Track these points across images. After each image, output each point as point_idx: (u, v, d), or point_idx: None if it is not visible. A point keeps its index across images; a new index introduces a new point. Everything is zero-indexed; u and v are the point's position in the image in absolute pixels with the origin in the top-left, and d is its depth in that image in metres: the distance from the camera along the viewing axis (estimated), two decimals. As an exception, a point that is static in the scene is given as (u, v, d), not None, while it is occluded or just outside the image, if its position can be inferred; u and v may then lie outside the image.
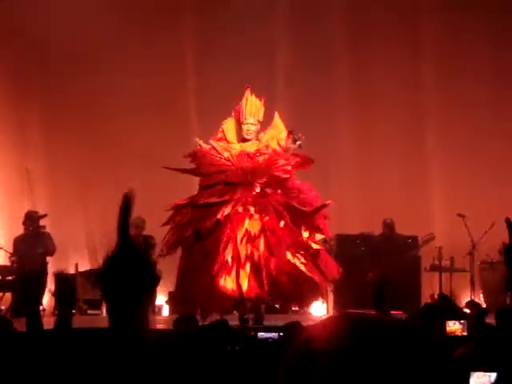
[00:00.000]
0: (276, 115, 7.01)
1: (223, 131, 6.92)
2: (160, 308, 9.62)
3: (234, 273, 6.32)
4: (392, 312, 8.56)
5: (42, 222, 9.01)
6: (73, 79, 10.15)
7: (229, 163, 6.74)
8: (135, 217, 9.34)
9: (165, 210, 6.70)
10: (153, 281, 1.41)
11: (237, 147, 6.86)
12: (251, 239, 6.33)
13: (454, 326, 5.48)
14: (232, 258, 6.31)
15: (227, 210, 6.38)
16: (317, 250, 6.66)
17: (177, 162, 7.12)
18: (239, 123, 6.94)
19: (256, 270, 6.31)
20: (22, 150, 10.19)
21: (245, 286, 6.31)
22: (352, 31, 10.86)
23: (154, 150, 9.71)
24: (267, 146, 6.80)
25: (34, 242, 8.68)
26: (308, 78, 10.62)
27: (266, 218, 6.41)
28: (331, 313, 9.15)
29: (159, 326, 7.14)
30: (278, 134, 6.90)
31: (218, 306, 6.47)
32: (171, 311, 9.38)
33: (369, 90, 10.85)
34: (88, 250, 10.14)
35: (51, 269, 9.26)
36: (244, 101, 6.93)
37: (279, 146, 6.80)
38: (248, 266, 6.32)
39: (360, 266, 9.39)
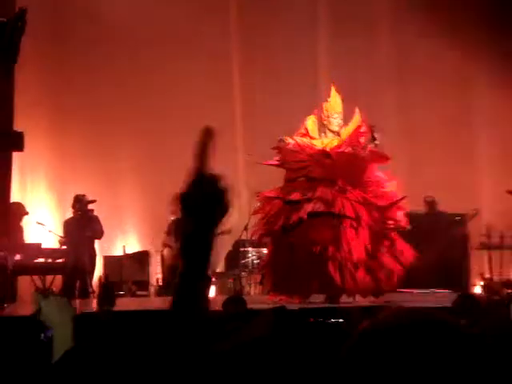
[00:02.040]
0: (356, 111, 7.19)
1: (306, 128, 7.22)
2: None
3: (318, 267, 6.66)
4: (438, 290, 8.51)
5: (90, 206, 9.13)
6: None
7: (311, 159, 7.04)
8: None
9: (256, 199, 7.37)
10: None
11: (318, 144, 7.14)
12: (333, 236, 6.67)
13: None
14: (315, 253, 6.65)
15: (309, 208, 6.73)
16: (393, 240, 6.93)
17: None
18: (321, 120, 7.24)
19: (338, 265, 6.66)
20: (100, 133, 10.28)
21: (327, 280, 6.67)
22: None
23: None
24: (347, 143, 7.02)
25: (82, 225, 8.80)
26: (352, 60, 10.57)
27: (345, 215, 6.71)
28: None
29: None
30: (357, 130, 7.11)
31: (302, 294, 6.86)
32: (218, 292, 9.46)
33: (410, 62, 10.74)
34: (135, 233, 10.27)
35: (100, 251, 9.40)
36: (330, 98, 7.24)
37: (358, 142, 7.03)
38: (330, 261, 6.67)
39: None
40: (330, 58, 10.83)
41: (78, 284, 8.61)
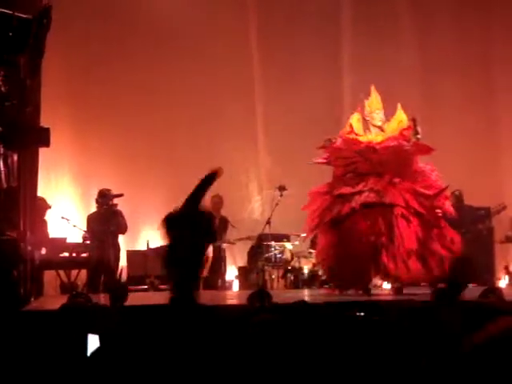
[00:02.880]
0: (399, 107, 7.42)
1: (351, 125, 7.45)
2: (230, 283, 9.72)
3: (372, 257, 6.86)
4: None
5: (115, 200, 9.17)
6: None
7: (358, 155, 7.29)
8: (214, 195, 9.56)
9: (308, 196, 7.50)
10: (211, 237, 1.48)
11: (364, 140, 7.37)
12: (385, 225, 6.87)
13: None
14: (368, 243, 6.86)
15: (362, 199, 6.96)
16: (442, 228, 7.10)
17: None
18: (363, 117, 7.51)
19: (391, 255, 6.83)
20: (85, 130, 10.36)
21: (382, 268, 6.88)
22: None
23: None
24: (392, 138, 7.28)
25: (106, 220, 8.84)
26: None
27: (397, 204, 6.93)
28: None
29: (231, 301, 7.22)
30: (401, 124, 7.36)
31: (356, 283, 7.08)
32: (241, 286, 9.49)
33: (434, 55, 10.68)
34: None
35: (123, 246, 9.45)
36: (371, 96, 7.54)
37: (402, 136, 7.26)
38: (384, 251, 6.84)
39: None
40: (352, 56, 10.82)
41: (102, 278, 8.66)
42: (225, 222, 9.52)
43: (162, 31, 10.37)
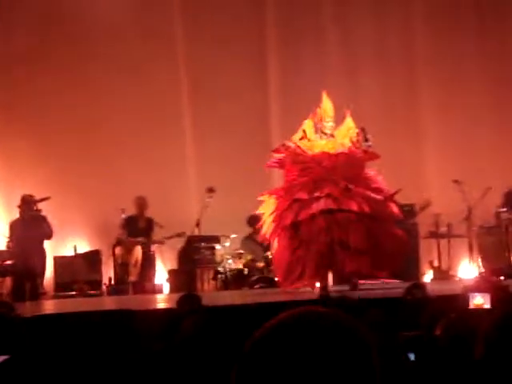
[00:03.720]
0: (348, 115, 7.61)
1: (305, 131, 7.53)
2: (160, 286, 9.64)
3: (329, 258, 7.13)
4: (388, 280, 8.64)
5: (39, 205, 8.98)
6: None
7: (313, 161, 7.44)
8: (137, 196, 9.47)
9: (258, 198, 7.55)
10: None
11: (317, 146, 7.53)
12: (341, 229, 7.12)
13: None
14: (325, 244, 7.08)
15: (321, 205, 7.11)
16: (391, 230, 7.47)
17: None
18: (315, 123, 7.60)
19: (347, 254, 7.12)
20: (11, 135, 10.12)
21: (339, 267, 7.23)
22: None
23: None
24: (343, 145, 7.48)
25: (30, 226, 8.65)
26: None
27: (352, 210, 7.15)
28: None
29: (160, 305, 7.17)
30: (350, 132, 7.56)
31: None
32: (171, 289, 9.43)
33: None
34: (86, 232, 10.13)
35: (50, 252, 9.26)
36: (323, 103, 7.66)
37: (352, 142, 7.47)
38: (339, 251, 7.12)
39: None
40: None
41: (27, 286, 8.46)
42: (150, 223, 9.50)
43: (88, 42, 10.22)
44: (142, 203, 9.42)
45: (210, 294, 8.53)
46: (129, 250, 9.23)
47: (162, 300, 8.07)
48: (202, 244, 9.35)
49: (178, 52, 10.59)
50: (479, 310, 3.63)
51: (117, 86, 10.15)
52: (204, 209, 9.05)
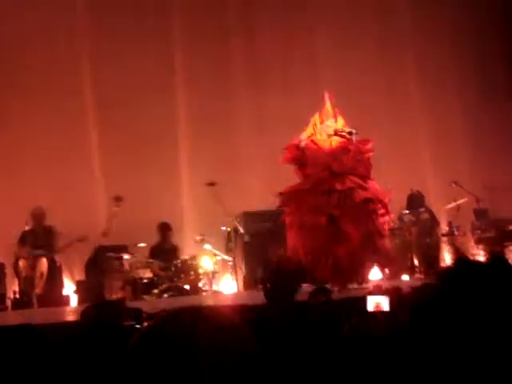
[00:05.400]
0: (340, 117, 7.84)
1: (315, 128, 7.72)
2: (68, 298, 9.43)
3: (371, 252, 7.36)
4: (305, 284, 8.77)
5: None
6: None
7: (330, 156, 7.57)
8: (34, 207, 9.20)
9: (276, 195, 7.70)
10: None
11: (326, 143, 7.68)
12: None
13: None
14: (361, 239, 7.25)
15: (363, 195, 7.31)
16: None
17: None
18: (321, 122, 7.79)
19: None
20: None
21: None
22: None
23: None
24: (346, 142, 7.66)
25: None
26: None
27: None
28: (241, 289, 9.26)
29: (68, 318, 7.02)
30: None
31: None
32: (79, 301, 9.24)
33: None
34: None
35: None
36: (325, 104, 7.86)
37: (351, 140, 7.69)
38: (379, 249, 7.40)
39: (267, 242, 9.59)
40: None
41: None
42: (49, 232, 9.18)
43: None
44: (38, 213, 9.13)
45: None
46: (32, 263, 8.98)
47: (69, 312, 7.90)
48: (110, 254, 9.21)
49: (83, 67, 10.38)
50: (378, 313, 3.76)
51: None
52: (111, 218, 8.93)
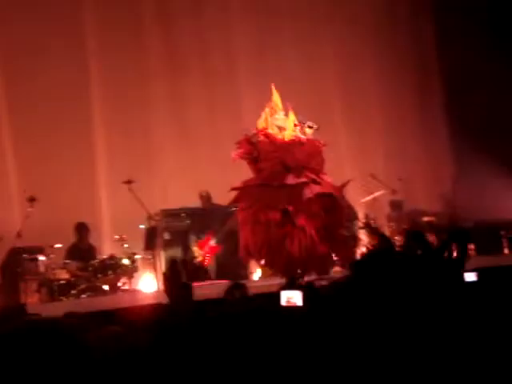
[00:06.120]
0: (290, 108, 7.65)
1: (266, 121, 7.55)
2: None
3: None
4: (222, 281, 8.78)
5: None
6: None
7: (281, 149, 7.42)
8: None
9: (229, 190, 7.52)
10: None
11: (279, 137, 7.53)
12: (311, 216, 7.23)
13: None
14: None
15: (317, 189, 7.20)
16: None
17: None
18: (271, 115, 7.64)
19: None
20: None
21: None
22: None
23: None
24: (299, 136, 7.51)
25: None
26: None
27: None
28: (161, 288, 9.17)
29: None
30: (294, 123, 7.62)
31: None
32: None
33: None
34: None
35: None
36: (274, 96, 7.70)
37: (304, 133, 7.58)
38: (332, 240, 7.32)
39: (186, 239, 9.58)
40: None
41: None
42: None
43: None
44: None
45: (35, 306, 8.20)
46: None
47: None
48: (25, 255, 8.97)
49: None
50: (291, 307, 3.79)
51: None
52: (25, 219, 8.70)
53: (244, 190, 7.47)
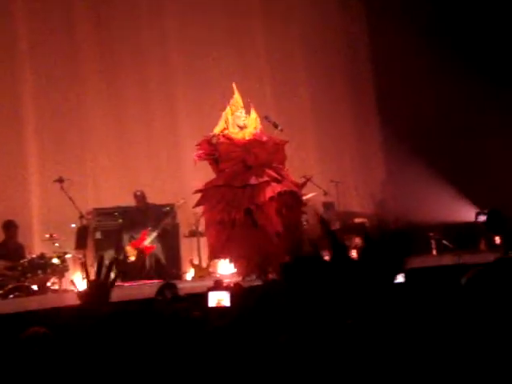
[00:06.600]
0: (252, 107, 7.82)
1: (227, 122, 7.62)
2: None
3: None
4: (154, 281, 8.74)
5: None
6: None
7: (243, 149, 7.50)
8: None
9: (193, 192, 7.59)
10: None
11: (239, 135, 7.61)
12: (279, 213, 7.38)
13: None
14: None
15: (278, 188, 7.29)
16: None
17: None
18: (232, 113, 7.74)
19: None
20: None
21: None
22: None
23: None
24: (260, 134, 7.66)
25: None
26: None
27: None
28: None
29: None
30: (257, 122, 7.80)
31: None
32: None
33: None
34: None
35: None
36: (235, 95, 7.83)
37: (262, 132, 7.74)
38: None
39: (119, 239, 9.52)
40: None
41: None
42: None
43: None
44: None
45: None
46: None
47: None
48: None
49: None
50: (219, 308, 3.81)
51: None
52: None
53: (207, 192, 7.53)
